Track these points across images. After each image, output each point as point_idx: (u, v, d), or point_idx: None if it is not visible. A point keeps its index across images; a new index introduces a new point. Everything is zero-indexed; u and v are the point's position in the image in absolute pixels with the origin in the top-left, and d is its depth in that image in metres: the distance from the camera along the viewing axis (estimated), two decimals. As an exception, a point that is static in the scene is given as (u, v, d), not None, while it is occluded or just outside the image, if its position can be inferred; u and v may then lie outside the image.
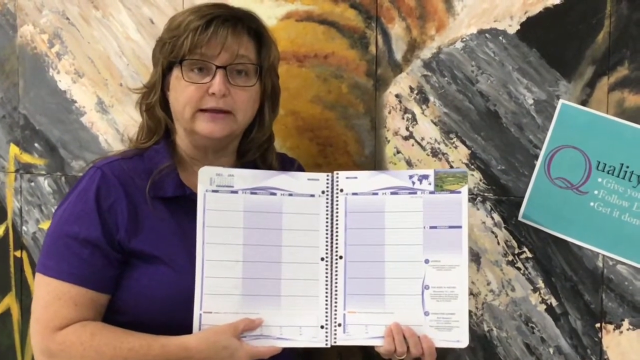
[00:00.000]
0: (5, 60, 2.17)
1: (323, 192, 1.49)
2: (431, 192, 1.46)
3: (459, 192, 1.44)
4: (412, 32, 1.64)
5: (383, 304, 1.45)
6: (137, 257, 1.42)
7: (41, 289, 1.42)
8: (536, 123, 1.53)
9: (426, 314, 1.44)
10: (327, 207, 1.48)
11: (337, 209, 1.48)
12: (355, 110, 1.72)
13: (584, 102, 1.49)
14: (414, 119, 1.65)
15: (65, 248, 1.41)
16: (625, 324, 1.48)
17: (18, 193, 2.17)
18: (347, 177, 1.49)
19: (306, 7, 1.75)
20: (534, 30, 1.52)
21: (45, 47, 2.10)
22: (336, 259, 1.47)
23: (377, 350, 1.45)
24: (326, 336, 1.45)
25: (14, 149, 2.17)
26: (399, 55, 1.66)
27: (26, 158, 2.16)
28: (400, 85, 1.66)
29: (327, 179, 1.49)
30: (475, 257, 1.60)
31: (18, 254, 2.19)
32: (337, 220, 1.48)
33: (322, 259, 1.47)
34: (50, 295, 1.40)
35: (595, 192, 1.49)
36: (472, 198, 1.60)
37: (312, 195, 1.48)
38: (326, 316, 1.46)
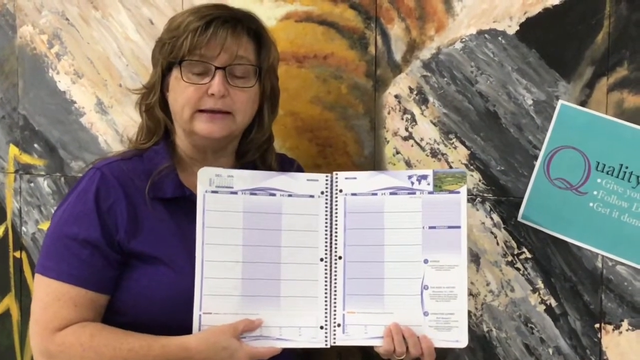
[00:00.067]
0: (5, 60, 2.17)
1: (322, 192, 1.49)
2: (430, 193, 1.46)
3: (458, 192, 1.44)
4: (412, 33, 1.64)
5: (382, 304, 1.45)
6: (136, 258, 1.42)
7: (40, 290, 1.42)
8: (535, 124, 1.53)
9: (425, 314, 1.44)
10: (326, 207, 1.48)
11: (336, 209, 1.48)
12: (354, 111, 1.72)
13: (583, 103, 1.49)
14: (413, 120, 1.65)
15: (65, 249, 1.41)
16: (625, 324, 1.48)
17: (17, 194, 2.17)
18: (346, 178, 1.49)
19: (305, 8, 1.75)
20: (533, 30, 1.52)
21: (45, 48, 2.10)
22: (335, 260, 1.47)
23: (376, 351, 1.45)
24: (325, 336, 1.45)
25: (13, 150, 2.17)
26: (398, 56, 1.66)
27: (26, 159, 2.16)
28: (400, 85, 1.66)
29: (327, 180, 1.49)
30: (474, 258, 1.60)
31: (17, 254, 2.19)
32: (336, 220, 1.48)
33: (322, 259, 1.47)
34: (49, 296, 1.40)
35: (595, 192, 1.49)
36: (472, 199, 1.60)
37: (312, 196, 1.48)
38: (325, 317, 1.46)
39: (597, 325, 1.51)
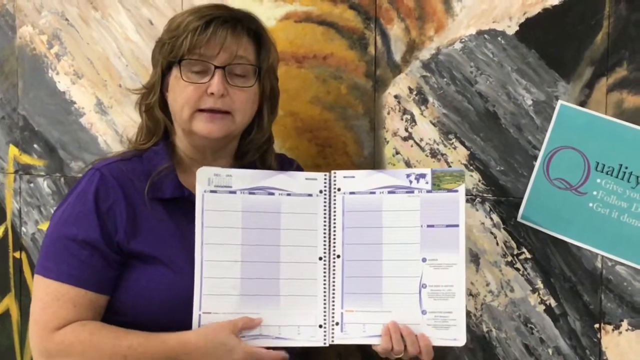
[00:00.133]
0: (5, 61, 2.17)
1: (321, 191, 1.49)
2: (428, 191, 1.46)
3: (456, 191, 1.45)
4: (411, 33, 1.65)
5: (380, 303, 1.45)
6: (136, 258, 1.42)
7: (40, 290, 1.42)
8: (535, 124, 1.53)
9: (423, 312, 1.44)
10: (324, 206, 1.48)
11: (334, 208, 1.48)
12: (354, 111, 1.72)
13: (582, 103, 1.49)
14: (413, 120, 1.65)
15: (64, 249, 1.41)
16: (624, 324, 1.48)
17: (17, 194, 2.17)
18: (344, 177, 1.49)
19: (305, 8, 1.75)
20: (533, 31, 1.52)
21: (45, 48, 2.10)
22: (334, 258, 1.47)
23: (374, 349, 1.45)
24: (324, 335, 1.45)
25: (13, 150, 2.17)
26: (398, 56, 1.66)
27: (25, 159, 2.16)
28: (399, 86, 1.66)
29: (325, 179, 1.49)
30: (474, 258, 1.60)
31: (17, 255, 2.19)
32: (334, 219, 1.48)
33: (320, 258, 1.47)
34: (49, 296, 1.40)
35: (594, 192, 1.49)
36: (471, 199, 1.60)
37: (310, 195, 1.48)
38: (324, 315, 1.46)
39: (596, 326, 1.51)
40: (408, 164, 1.66)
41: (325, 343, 1.46)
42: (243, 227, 1.45)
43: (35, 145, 2.13)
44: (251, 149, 1.55)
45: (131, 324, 1.40)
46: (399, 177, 1.47)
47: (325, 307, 1.46)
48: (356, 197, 1.48)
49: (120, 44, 1.99)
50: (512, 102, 1.55)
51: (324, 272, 1.47)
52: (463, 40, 1.59)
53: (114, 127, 2.01)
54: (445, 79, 1.61)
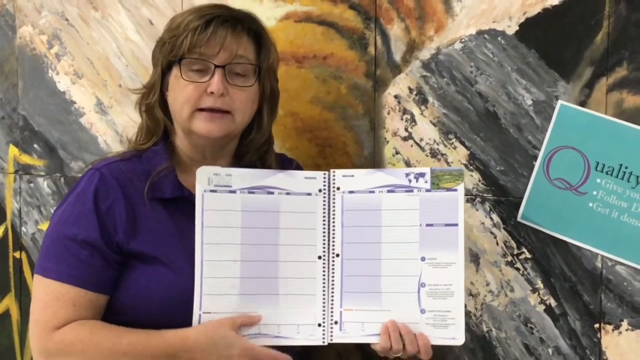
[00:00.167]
0: (5, 61, 2.17)
1: (320, 190, 1.49)
2: (427, 190, 1.46)
3: (455, 190, 1.45)
4: (411, 33, 1.65)
5: (379, 302, 1.45)
6: (135, 258, 1.42)
7: (40, 290, 1.42)
8: (535, 124, 1.53)
9: (422, 311, 1.44)
10: (324, 205, 1.48)
11: (333, 207, 1.48)
12: (354, 111, 1.72)
13: (582, 103, 1.49)
14: (413, 120, 1.65)
15: (64, 249, 1.41)
16: (624, 324, 1.48)
17: (17, 194, 2.17)
18: (343, 175, 1.49)
19: (305, 8, 1.75)
20: (533, 31, 1.52)
21: (45, 48, 2.10)
22: (333, 257, 1.47)
23: (373, 348, 1.45)
24: (323, 334, 1.46)
25: (13, 150, 2.17)
26: (398, 56, 1.66)
27: (25, 159, 2.16)
28: (399, 86, 1.66)
29: (324, 177, 1.49)
30: (474, 258, 1.60)
31: (17, 254, 2.19)
32: (333, 218, 1.48)
33: (320, 257, 1.47)
34: (48, 296, 1.40)
35: (594, 192, 1.49)
36: (471, 199, 1.60)
37: (309, 194, 1.48)
38: (323, 314, 1.46)
39: (596, 325, 1.51)
40: (408, 164, 1.66)
41: (324, 342, 1.46)
42: (242, 226, 1.45)
43: (35, 145, 2.13)
44: (250, 150, 1.55)
45: (131, 324, 1.40)
46: (398, 176, 1.47)
47: (324, 306, 1.46)
48: (355, 196, 1.48)
49: (120, 44, 1.99)
50: (512, 102, 1.55)
51: (323, 271, 1.47)
52: (463, 40, 1.59)
53: (114, 127, 2.01)
54: (445, 79, 1.61)
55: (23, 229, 2.17)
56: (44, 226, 2.12)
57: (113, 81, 2.01)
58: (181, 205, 1.46)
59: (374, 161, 1.70)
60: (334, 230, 1.47)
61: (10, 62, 2.16)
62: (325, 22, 1.73)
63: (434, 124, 1.63)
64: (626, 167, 1.46)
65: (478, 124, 1.59)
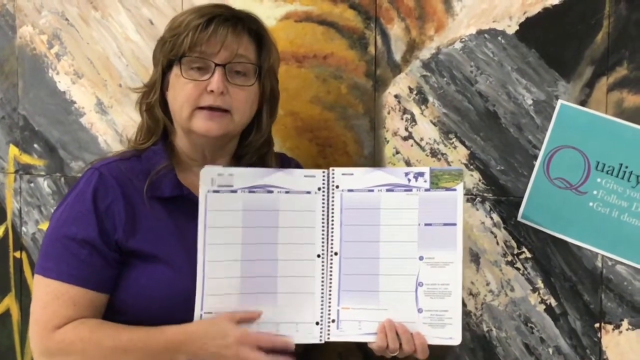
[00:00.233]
0: (5, 61, 2.17)
1: (319, 188, 1.49)
2: (427, 190, 1.46)
3: (454, 190, 1.45)
4: (411, 33, 1.65)
5: (377, 301, 1.45)
6: (135, 256, 1.42)
7: (40, 290, 1.42)
8: (535, 123, 1.53)
9: (419, 310, 1.44)
10: (323, 203, 1.48)
11: (332, 205, 1.48)
12: (354, 111, 1.72)
13: (583, 103, 1.49)
14: (413, 120, 1.65)
15: (64, 249, 1.41)
16: (625, 324, 1.48)
17: (17, 194, 2.17)
18: (343, 174, 1.49)
19: (305, 8, 1.75)
20: (533, 30, 1.52)
21: (45, 48, 2.10)
22: (331, 256, 1.47)
23: (369, 347, 1.45)
24: (320, 332, 1.45)
25: (13, 150, 2.17)
26: (398, 56, 1.66)
27: (25, 159, 2.16)
28: (400, 85, 1.66)
29: (323, 176, 1.49)
30: (474, 257, 1.60)
31: (17, 254, 2.19)
32: (332, 216, 1.48)
33: (318, 255, 1.47)
34: (49, 296, 1.40)
35: (595, 192, 1.49)
36: (472, 198, 1.60)
37: (309, 192, 1.48)
38: (321, 312, 1.46)
39: (597, 325, 1.51)
40: (408, 164, 1.66)
41: (321, 340, 1.45)
42: (243, 226, 1.45)
43: (35, 145, 2.13)
44: (250, 151, 1.55)
45: (132, 322, 1.40)
46: (397, 175, 1.47)
47: (322, 304, 1.46)
48: (354, 195, 1.48)
49: (120, 43, 1.99)
50: (512, 102, 1.55)
51: (322, 270, 1.47)
52: (463, 39, 1.59)
53: (114, 126, 2.01)
54: (445, 79, 1.61)
55: (23, 228, 2.17)
56: (44, 226, 2.12)
57: (113, 81, 2.01)
58: (180, 204, 1.46)
59: (374, 161, 1.70)
60: (332, 228, 1.47)
61: (11, 62, 2.16)
62: (325, 21, 1.73)
63: (434, 124, 1.63)
64: (626, 167, 1.46)
65: (478, 124, 1.59)
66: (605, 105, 1.47)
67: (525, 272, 1.56)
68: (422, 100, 1.64)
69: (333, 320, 1.46)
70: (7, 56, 2.16)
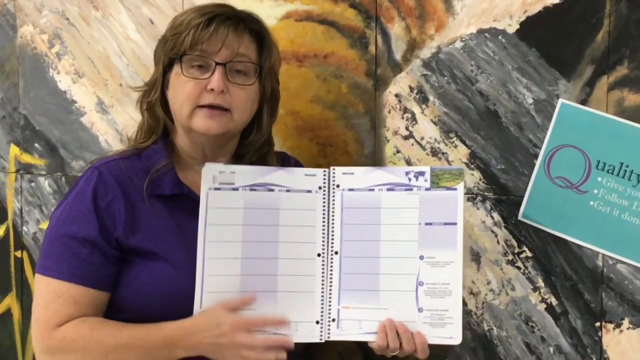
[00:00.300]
0: (5, 60, 2.17)
1: (320, 187, 1.49)
2: (427, 189, 1.46)
3: (455, 189, 1.45)
4: (412, 32, 1.65)
5: (377, 300, 1.45)
6: (135, 254, 1.42)
7: (41, 289, 1.42)
8: (536, 122, 1.53)
9: (420, 310, 1.44)
10: (323, 202, 1.48)
11: (333, 204, 1.48)
12: (355, 110, 1.72)
13: (583, 102, 1.49)
14: (413, 119, 1.65)
15: (64, 248, 1.41)
16: (625, 323, 1.48)
17: (18, 193, 2.17)
18: (343, 173, 1.50)
19: (306, 7, 1.75)
20: (534, 29, 1.52)
21: (45, 48, 2.10)
22: (332, 255, 1.47)
23: (370, 346, 1.45)
24: (320, 331, 1.45)
25: (14, 150, 2.18)
26: (398, 55, 1.66)
27: (26, 158, 2.16)
28: (400, 84, 1.66)
29: (324, 175, 1.49)
30: (475, 257, 1.60)
31: (18, 254, 2.19)
32: (333, 215, 1.48)
33: (319, 254, 1.47)
34: (50, 294, 1.40)
35: (595, 191, 1.49)
36: (472, 197, 1.60)
37: (309, 191, 1.48)
38: (321, 311, 1.46)
39: (597, 324, 1.51)
40: (409, 163, 1.66)
41: (321, 339, 1.45)
42: (244, 224, 1.45)
43: (36, 145, 2.13)
44: (250, 150, 1.55)
45: (133, 320, 1.40)
46: (398, 175, 1.47)
47: (322, 304, 1.46)
48: (355, 194, 1.48)
49: (121, 43, 1.99)
50: (513, 101, 1.55)
51: (322, 269, 1.47)
52: (464, 38, 1.59)
53: (114, 126, 2.01)
54: (445, 78, 1.61)
55: (24, 228, 2.17)
56: (45, 225, 2.12)
57: (114, 80, 2.01)
58: (180, 202, 1.46)
59: (375, 160, 1.70)
60: (333, 227, 1.47)
61: (11, 61, 2.16)
62: (326, 21, 1.73)
63: (434, 123, 1.63)
64: (627, 166, 1.46)
65: (479, 123, 1.59)
66: (605, 104, 1.47)
67: (526, 271, 1.56)
68: (423, 100, 1.64)
69: (333, 320, 1.46)
70: (8, 55, 2.16)
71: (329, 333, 1.46)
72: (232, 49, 1.44)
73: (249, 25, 1.49)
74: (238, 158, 1.56)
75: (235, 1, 1.74)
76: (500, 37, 1.55)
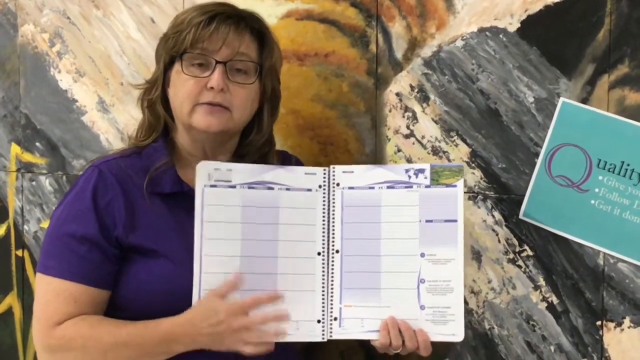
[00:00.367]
0: (6, 59, 2.17)
1: (320, 186, 1.49)
2: (427, 186, 1.46)
3: (455, 186, 1.45)
4: (413, 31, 1.64)
5: (379, 298, 1.45)
6: (135, 252, 1.43)
7: (42, 288, 1.43)
8: (537, 121, 1.53)
9: (422, 307, 1.44)
10: (323, 201, 1.48)
11: (333, 203, 1.48)
12: (355, 109, 1.72)
13: (584, 100, 1.49)
14: (414, 118, 1.65)
15: (64, 247, 1.41)
16: (626, 321, 1.48)
17: (19, 192, 2.18)
18: (343, 171, 1.50)
19: (306, 6, 1.75)
20: (535, 28, 1.52)
21: (46, 47, 2.10)
22: (332, 253, 1.47)
23: (372, 344, 1.45)
24: (322, 330, 1.45)
25: (15, 149, 2.18)
26: (399, 54, 1.66)
27: (27, 157, 2.16)
28: (401, 83, 1.66)
29: (324, 173, 1.49)
30: (476, 256, 1.60)
31: (19, 253, 2.19)
32: (333, 214, 1.48)
33: (319, 253, 1.47)
34: (50, 293, 1.41)
35: (596, 190, 1.49)
36: (473, 196, 1.60)
37: (309, 190, 1.48)
38: (323, 310, 1.46)
39: (598, 323, 1.51)
40: (410, 162, 1.66)
41: (323, 338, 1.46)
42: (242, 221, 1.45)
43: (37, 144, 2.13)
44: (251, 150, 1.55)
45: (133, 318, 1.40)
46: (397, 172, 1.47)
47: (323, 303, 1.46)
48: (355, 192, 1.48)
49: (121, 42, 1.99)
50: (514, 100, 1.55)
51: (323, 267, 1.47)
52: (464, 37, 1.59)
53: (115, 125, 2.01)
54: (446, 77, 1.61)
55: (25, 227, 2.17)
56: (46, 224, 2.12)
57: (115, 79, 2.01)
58: (181, 200, 1.46)
59: (376, 159, 1.70)
60: (333, 226, 1.47)
61: (12, 60, 2.16)
62: (326, 20, 1.73)
63: (435, 122, 1.63)
64: (628, 165, 1.46)
65: (480, 122, 1.59)
66: (606, 103, 1.47)
67: (527, 270, 1.56)
68: (424, 98, 1.64)
69: (335, 318, 1.46)
70: (9, 55, 2.17)
71: (331, 332, 1.46)
72: (233, 48, 1.44)
73: (250, 24, 1.49)
74: (239, 157, 1.56)
75: (237, 0, 1.74)
76: (501, 36, 1.55)
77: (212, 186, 1.44)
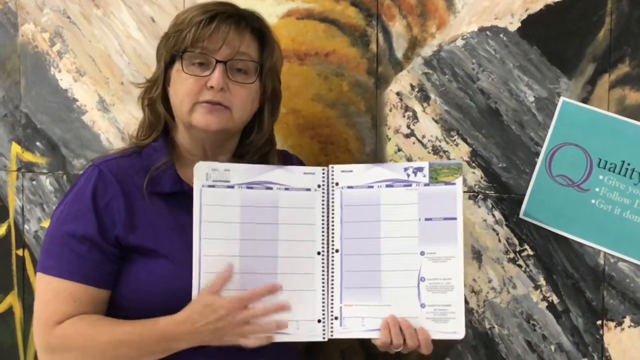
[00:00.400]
0: (7, 59, 2.17)
1: (319, 185, 1.49)
2: (426, 184, 1.46)
3: (454, 184, 1.45)
4: (413, 30, 1.64)
5: (379, 297, 1.45)
6: (135, 251, 1.43)
7: (42, 287, 1.43)
8: (537, 120, 1.53)
9: (422, 305, 1.44)
10: (323, 200, 1.48)
11: (332, 202, 1.48)
12: (356, 108, 1.72)
13: (585, 100, 1.49)
14: (414, 117, 1.65)
15: (64, 246, 1.41)
16: (627, 321, 1.48)
17: (20, 192, 2.18)
18: (342, 171, 1.50)
19: (307, 5, 1.75)
20: (535, 27, 1.52)
21: (47, 46, 2.10)
22: (332, 253, 1.47)
23: (373, 343, 1.45)
24: (323, 330, 1.45)
25: (15, 148, 2.18)
26: (399, 53, 1.66)
27: (28, 157, 2.16)
28: (401, 83, 1.66)
29: (323, 173, 1.49)
30: (476, 255, 1.60)
31: (20, 252, 2.19)
32: (333, 213, 1.48)
33: (319, 252, 1.47)
34: (50, 292, 1.41)
35: (597, 189, 1.49)
36: (474, 195, 1.60)
37: (308, 189, 1.48)
38: (323, 310, 1.46)
39: (599, 322, 1.51)
40: (410, 161, 1.66)
41: (324, 338, 1.46)
42: (241, 222, 1.44)
43: (37, 143, 2.14)
44: (251, 150, 1.55)
45: (133, 318, 1.40)
46: (396, 171, 1.47)
47: (324, 302, 1.46)
48: (354, 191, 1.48)
49: (122, 41, 1.99)
50: (514, 99, 1.55)
51: (323, 267, 1.47)
52: (465, 37, 1.59)
53: (116, 124, 2.01)
54: (447, 76, 1.61)
55: (26, 226, 2.18)
56: (47, 224, 2.11)
57: (115, 79, 2.01)
58: (181, 200, 1.46)
59: (376, 158, 1.69)
60: (333, 225, 1.47)
61: (13, 60, 2.16)
62: (327, 19, 1.73)
63: (436, 121, 1.63)
64: (629, 164, 1.46)
65: (480, 121, 1.59)
66: (607, 103, 1.47)
67: (528, 270, 1.56)
68: (424, 98, 1.64)
69: (336, 318, 1.46)
70: (9, 54, 2.17)
71: (332, 331, 1.46)
72: (233, 47, 1.44)
73: (250, 23, 1.49)
74: (239, 157, 1.56)
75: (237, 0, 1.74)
76: (501, 35, 1.55)
77: (210, 186, 1.44)
